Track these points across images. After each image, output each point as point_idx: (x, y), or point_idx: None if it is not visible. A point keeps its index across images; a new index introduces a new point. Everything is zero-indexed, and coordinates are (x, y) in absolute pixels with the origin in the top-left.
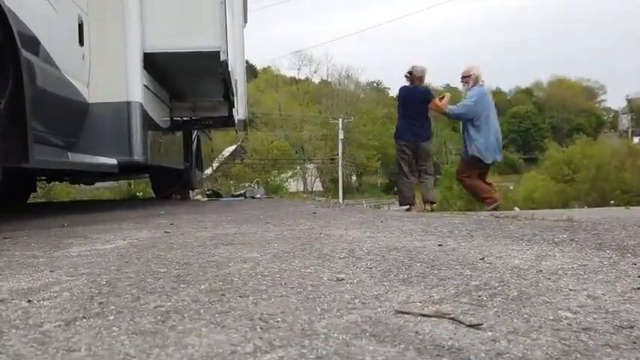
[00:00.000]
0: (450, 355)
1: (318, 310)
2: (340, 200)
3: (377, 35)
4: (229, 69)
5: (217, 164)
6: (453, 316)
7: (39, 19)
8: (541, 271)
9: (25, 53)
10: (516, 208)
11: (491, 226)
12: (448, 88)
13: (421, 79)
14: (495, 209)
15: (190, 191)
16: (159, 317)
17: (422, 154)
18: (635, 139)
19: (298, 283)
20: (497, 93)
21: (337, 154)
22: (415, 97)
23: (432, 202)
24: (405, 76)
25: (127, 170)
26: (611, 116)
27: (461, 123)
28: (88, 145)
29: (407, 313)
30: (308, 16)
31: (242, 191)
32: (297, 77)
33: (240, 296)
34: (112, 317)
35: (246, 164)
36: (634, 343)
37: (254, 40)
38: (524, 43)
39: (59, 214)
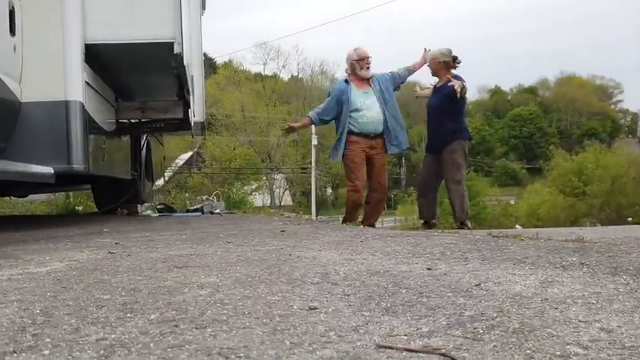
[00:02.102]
0: None
1: (287, 343)
2: (313, 216)
3: (356, 25)
4: (184, 63)
5: (170, 174)
6: (444, 351)
7: None
8: (547, 299)
9: None
10: (518, 226)
11: (489, 246)
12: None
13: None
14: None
15: (139, 205)
16: (102, 352)
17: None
18: None
19: (264, 312)
20: (495, 92)
21: (310, 163)
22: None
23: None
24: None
25: (66, 180)
26: (628, 119)
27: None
28: (19, 151)
29: (390, 347)
30: (275, 2)
31: (199, 205)
32: (262, 73)
33: (197, 327)
34: (47, 352)
35: (204, 174)
36: None
37: (213, 30)
38: (527, 35)
39: None
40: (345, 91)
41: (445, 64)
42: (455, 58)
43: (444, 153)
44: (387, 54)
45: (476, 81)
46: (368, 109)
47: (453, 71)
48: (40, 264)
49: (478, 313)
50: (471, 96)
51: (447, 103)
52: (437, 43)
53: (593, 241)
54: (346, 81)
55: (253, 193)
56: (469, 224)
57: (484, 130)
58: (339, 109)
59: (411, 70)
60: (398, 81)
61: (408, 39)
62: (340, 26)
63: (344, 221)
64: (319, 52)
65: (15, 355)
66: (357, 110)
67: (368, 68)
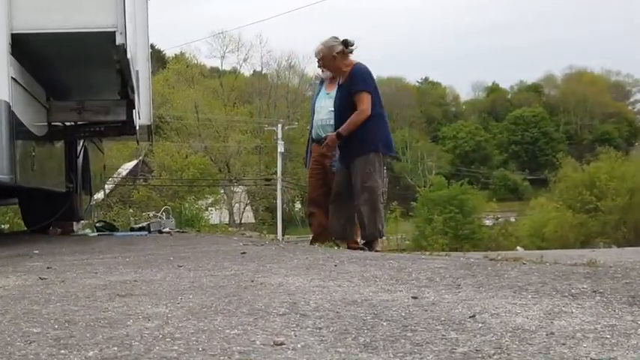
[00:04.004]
0: None
1: None
2: (279, 236)
3: (330, 13)
4: (128, 56)
5: (112, 186)
6: None
7: None
8: (553, 333)
9: None
10: (519, 248)
11: (485, 271)
12: (426, 82)
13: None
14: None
15: (75, 223)
16: None
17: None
18: None
19: (221, 348)
20: (493, 90)
21: (275, 173)
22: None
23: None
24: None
25: None
26: None
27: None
28: None
29: None
30: None
31: (145, 223)
32: (220, 68)
33: None
34: None
35: (151, 187)
36: None
37: (162, 19)
38: (530, 23)
39: None
40: (316, 93)
41: (341, 54)
42: (346, 42)
43: (355, 162)
44: (372, 45)
45: (470, 77)
46: (318, 112)
47: (352, 57)
48: None
49: (473, 350)
50: (465, 95)
51: (350, 103)
52: (432, 36)
53: (607, 266)
54: (322, 80)
55: (209, 209)
56: (378, 246)
57: (480, 134)
58: None
59: None
60: None
61: (394, 28)
62: (313, 14)
63: (312, 241)
64: (287, 43)
65: None
66: (314, 114)
67: (323, 68)
